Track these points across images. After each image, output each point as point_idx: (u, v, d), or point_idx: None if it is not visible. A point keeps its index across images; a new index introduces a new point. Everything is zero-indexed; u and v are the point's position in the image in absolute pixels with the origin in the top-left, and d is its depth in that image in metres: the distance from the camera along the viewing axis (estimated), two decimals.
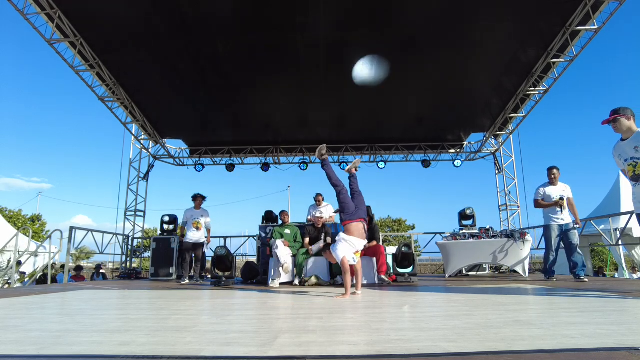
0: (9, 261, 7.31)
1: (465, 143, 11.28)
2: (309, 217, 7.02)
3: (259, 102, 9.06)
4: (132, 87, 8.56)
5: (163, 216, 8.62)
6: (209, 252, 8.84)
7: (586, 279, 5.59)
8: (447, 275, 6.91)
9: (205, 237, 7.13)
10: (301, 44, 7.15)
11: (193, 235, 6.91)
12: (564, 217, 5.68)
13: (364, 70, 7.45)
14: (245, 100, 8.97)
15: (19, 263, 8.33)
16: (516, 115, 9.28)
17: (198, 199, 7.08)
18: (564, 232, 5.66)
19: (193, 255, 7.21)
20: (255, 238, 8.17)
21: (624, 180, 10.95)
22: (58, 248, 7.55)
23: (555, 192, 5.73)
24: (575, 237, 5.61)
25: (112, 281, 9.00)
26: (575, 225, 5.66)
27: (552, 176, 5.77)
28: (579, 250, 5.60)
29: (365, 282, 5.67)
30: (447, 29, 6.84)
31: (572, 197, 5.70)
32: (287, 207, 29.81)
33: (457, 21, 6.64)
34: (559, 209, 5.67)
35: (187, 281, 6.76)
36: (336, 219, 7.41)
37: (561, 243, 5.76)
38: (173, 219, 8.63)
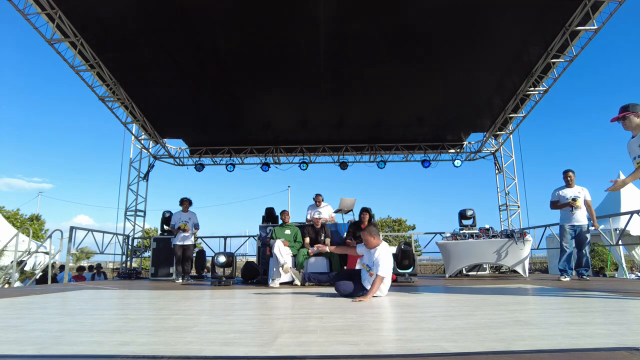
0: (16, 256, 7.33)
1: (465, 143, 11.28)
2: (308, 217, 7.03)
3: (259, 102, 9.06)
4: (132, 87, 8.56)
5: (164, 212, 8.64)
6: (209, 252, 8.89)
7: (588, 278, 5.67)
8: (447, 275, 6.91)
9: (192, 232, 7.33)
10: (302, 44, 7.15)
11: (182, 237, 7.17)
12: (578, 218, 5.73)
13: None
14: (245, 101, 8.98)
15: (19, 263, 8.32)
16: (516, 115, 9.28)
17: (184, 202, 7.39)
18: (578, 232, 5.75)
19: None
20: (256, 238, 8.17)
21: None
22: (58, 248, 7.55)
23: (569, 194, 5.82)
24: (586, 238, 5.70)
25: (113, 281, 9.00)
26: (591, 228, 5.75)
27: (568, 178, 5.87)
28: (586, 250, 5.68)
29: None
30: (448, 29, 6.84)
31: (589, 200, 5.76)
32: (287, 207, 29.81)
33: (457, 21, 6.64)
34: (572, 210, 5.76)
35: (180, 280, 7.03)
36: (337, 218, 7.42)
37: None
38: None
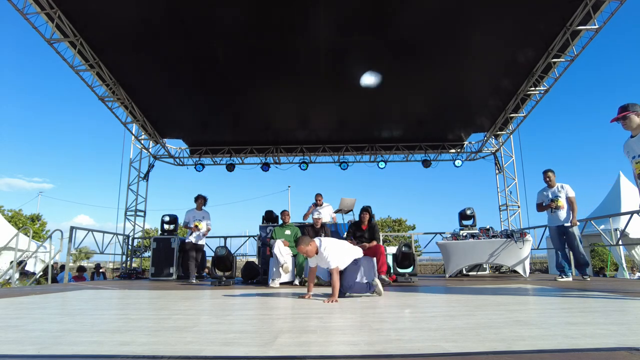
0: (18, 259, 7.32)
1: (466, 143, 11.27)
2: (309, 214, 7.08)
3: (259, 102, 9.05)
4: (132, 87, 8.56)
5: (163, 216, 8.62)
6: (209, 252, 8.88)
7: (588, 278, 5.65)
8: (447, 275, 6.91)
9: (207, 230, 7.11)
10: (302, 45, 7.15)
11: (195, 236, 6.95)
12: (561, 218, 5.71)
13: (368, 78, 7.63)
14: (246, 100, 8.97)
15: (19, 263, 8.32)
16: (517, 115, 9.27)
17: (199, 199, 7.13)
18: (565, 232, 5.71)
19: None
20: (256, 238, 8.16)
21: (624, 180, 10.94)
22: (58, 248, 7.54)
23: (550, 194, 5.82)
24: (573, 236, 5.61)
25: (113, 281, 9.01)
26: (567, 224, 5.64)
27: (547, 179, 5.87)
28: (579, 248, 5.60)
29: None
30: (448, 30, 6.83)
31: (572, 196, 5.67)
32: (288, 207, 29.79)
33: (457, 22, 6.63)
34: (552, 211, 5.78)
35: (195, 280, 6.73)
36: (337, 218, 7.42)
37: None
38: (173, 219, 8.63)
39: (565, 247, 5.82)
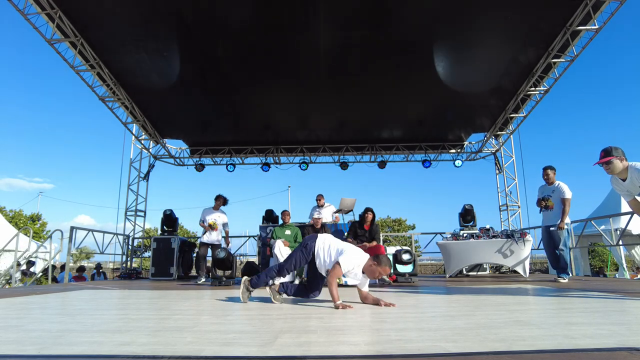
0: (24, 259, 7.31)
1: (466, 143, 11.27)
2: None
3: (259, 102, 9.06)
4: (132, 87, 8.56)
5: (165, 210, 8.62)
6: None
7: (565, 280, 5.46)
8: (447, 276, 6.91)
9: (223, 237, 7.12)
10: (302, 45, 7.14)
11: (209, 236, 6.94)
12: (550, 218, 5.63)
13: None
14: (246, 100, 8.97)
15: (19, 264, 8.33)
16: (517, 115, 9.27)
17: (219, 199, 7.09)
18: (550, 232, 5.62)
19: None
20: (256, 238, 8.17)
21: None
22: (58, 248, 7.54)
23: (546, 192, 5.73)
24: (557, 237, 5.49)
25: (113, 281, 9.01)
26: (552, 228, 5.54)
27: (546, 176, 5.75)
28: (560, 250, 5.48)
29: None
30: (449, 30, 6.83)
31: (566, 198, 5.44)
32: (288, 207, 29.76)
33: (457, 22, 6.63)
34: (540, 210, 5.71)
35: (202, 280, 6.72)
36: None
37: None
38: (174, 220, 8.63)
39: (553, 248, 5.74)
